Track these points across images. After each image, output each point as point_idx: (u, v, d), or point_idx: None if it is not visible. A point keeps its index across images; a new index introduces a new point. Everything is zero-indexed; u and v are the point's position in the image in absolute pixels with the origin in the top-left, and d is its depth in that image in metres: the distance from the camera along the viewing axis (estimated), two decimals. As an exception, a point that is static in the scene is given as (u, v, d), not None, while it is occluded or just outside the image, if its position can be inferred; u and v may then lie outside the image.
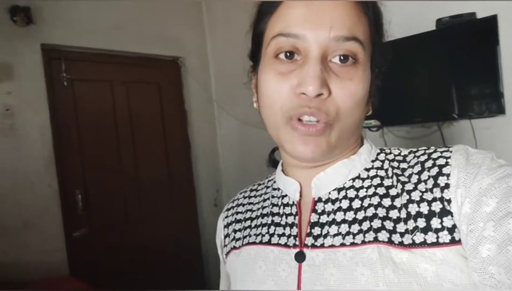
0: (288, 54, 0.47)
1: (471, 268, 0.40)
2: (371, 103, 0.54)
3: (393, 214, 0.46)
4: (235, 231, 0.61)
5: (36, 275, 1.99)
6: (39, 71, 2.16)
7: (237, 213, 0.63)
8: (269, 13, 0.50)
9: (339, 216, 0.49)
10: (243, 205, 0.64)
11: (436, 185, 0.45)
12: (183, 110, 2.90)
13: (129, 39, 2.52)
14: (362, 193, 0.50)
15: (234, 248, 0.59)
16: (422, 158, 0.50)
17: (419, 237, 0.43)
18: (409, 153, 0.53)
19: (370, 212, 0.48)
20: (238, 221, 0.62)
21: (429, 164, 0.48)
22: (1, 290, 1.75)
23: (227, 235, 0.63)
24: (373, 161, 0.54)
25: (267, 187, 0.63)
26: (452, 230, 0.43)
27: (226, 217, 0.65)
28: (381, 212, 0.47)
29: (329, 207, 0.51)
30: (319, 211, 0.51)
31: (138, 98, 2.65)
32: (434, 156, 0.48)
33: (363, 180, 0.52)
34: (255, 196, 0.64)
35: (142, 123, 2.66)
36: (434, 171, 0.47)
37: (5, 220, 1.99)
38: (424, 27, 1.77)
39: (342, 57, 0.46)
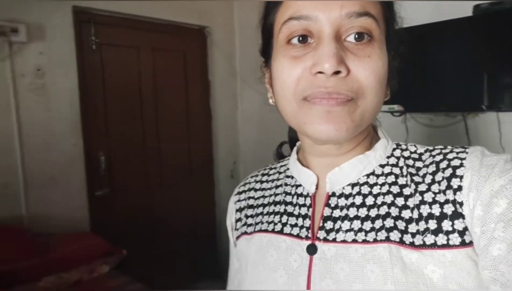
0: (300, 38, 0.46)
1: (481, 267, 0.41)
2: (389, 88, 0.53)
3: (406, 214, 0.47)
4: (247, 216, 0.61)
5: (60, 228, 2.10)
6: (70, 34, 2.20)
7: (249, 198, 0.63)
8: (278, 4, 0.49)
9: (352, 212, 0.49)
10: (255, 190, 0.64)
11: (449, 186, 0.46)
12: (206, 81, 2.92)
13: (157, 6, 2.52)
14: (376, 190, 0.50)
15: (246, 233, 0.60)
16: (438, 158, 0.49)
17: (429, 239, 0.44)
18: (425, 151, 0.52)
19: (383, 210, 0.48)
20: (250, 207, 0.62)
21: (444, 164, 0.48)
22: (30, 239, 1.87)
23: (239, 219, 0.63)
24: (388, 157, 0.53)
25: (280, 173, 0.63)
26: (462, 232, 0.43)
27: (239, 200, 0.65)
28: (394, 211, 0.47)
29: (342, 201, 0.51)
30: (332, 205, 0.51)
31: (163, 66, 2.67)
32: (450, 156, 0.48)
33: (378, 176, 0.51)
34: (267, 181, 0.63)
35: (166, 90, 2.70)
36: (448, 172, 0.47)
37: (33, 175, 2.10)
38: (459, 13, 1.71)
39: (357, 35, 0.45)
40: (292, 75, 0.46)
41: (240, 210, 0.63)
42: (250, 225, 0.59)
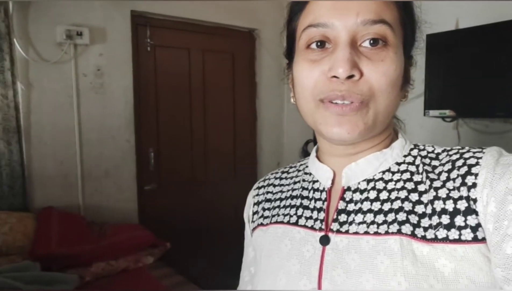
0: (319, 43, 0.49)
1: (494, 264, 0.41)
2: (406, 90, 0.54)
3: (419, 209, 0.48)
4: (264, 209, 0.64)
5: (111, 219, 2.25)
6: (127, 36, 2.35)
7: (267, 192, 0.66)
8: (299, 10, 0.52)
9: (366, 206, 0.51)
10: (274, 185, 0.66)
11: (463, 183, 0.46)
12: (253, 83, 2.97)
13: (208, 9, 2.61)
14: (390, 186, 0.51)
15: (262, 224, 0.62)
16: (454, 157, 0.50)
17: (441, 233, 0.44)
18: (443, 151, 0.53)
19: (397, 204, 0.49)
20: (268, 200, 0.65)
21: (459, 163, 0.48)
22: (86, 227, 2.03)
23: (255, 212, 0.66)
24: (405, 156, 0.54)
25: (299, 171, 0.65)
26: (475, 228, 0.43)
27: (257, 195, 0.68)
28: (407, 206, 0.48)
29: (357, 196, 0.52)
30: (347, 199, 0.53)
31: (212, 67, 2.76)
32: (466, 155, 0.49)
33: (393, 173, 0.53)
34: (286, 178, 0.66)
35: (214, 90, 2.79)
36: (464, 170, 0.47)
37: (90, 168, 2.27)
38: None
39: (372, 41, 0.47)
40: (310, 78, 0.49)
41: (257, 203, 0.66)
42: (267, 217, 0.62)
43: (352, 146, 0.52)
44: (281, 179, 0.67)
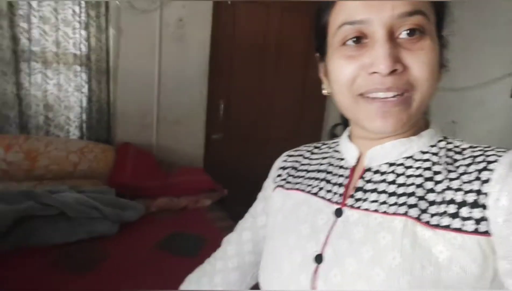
0: (355, 39, 0.49)
1: (500, 257, 0.43)
2: (441, 74, 0.54)
3: (430, 196, 0.49)
4: (289, 175, 0.67)
5: (179, 161, 2.48)
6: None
7: (297, 161, 0.69)
8: (329, 7, 0.53)
9: (382, 187, 0.53)
10: (304, 157, 0.69)
11: (478, 178, 0.47)
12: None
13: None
14: (409, 172, 0.53)
15: (283, 187, 0.66)
16: (477, 153, 0.51)
17: (445, 221, 0.46)
18: (469, 147, 0.53)
19: (411, 189, 0.51)
20: (294, 168, 0.68)
21: (480, 159, 0.49)
22: (156, 164, 2.27)
23: (280, 175, 0.69)
24: (432, 146, 0.55)
25: (330, 147, 0.68)
26: (479, 221, 0.44)
27: (285, 161, 0.71)
28: (420, 192, 0.50)
29: (376, 177, 0.55)
30: (366, 178, 0.55)
31: (290, 27, 2.74)
32: (489, 153, 0.49)
33: (416, 160, 0.54)
34: (317, 153, 0.69)
35: (289, 52, 2.79)
36: (482, 165, 0.48)
37: (165, 112, 2.49)
38: None
39: (409, 31, 0.47)
40: (348, 74, 0.50)
41: (284, 168, 0.70)
42: (290, 182, 0.66)
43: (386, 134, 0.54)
44: (312, 153, 0.69)
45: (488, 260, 0.44)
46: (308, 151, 0.70)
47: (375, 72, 0.47)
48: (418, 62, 0.47)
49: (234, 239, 0.72)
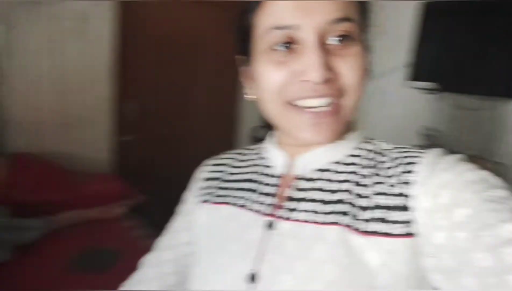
0: (284, 44, 0.47)
1: (425, 255, 0.44)
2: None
3: (360, 202, 0.49)
4: (214, 187, 0.63)
5: (88, 167, 2.27)
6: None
7: (221, 171, 0.65)
8: (256, 6, 0.50)
9: (312, 195, 0.52)
10: (229, 166, 0.66)
11: (402, 180, 0.48)
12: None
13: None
14: (338, 177, 0.53)
15: (209, 202, 0.62)
16: (399, 155, 0.52)
17: (375, 226, 0.46)
18: (392, 148, 0.55)
19: (340, 196, 0.51)
20: (219, 179, 0.64)
21: (403, 161, 0.50)
22: (60, 175, 2.03)
23: (205, 187, 0.65)
24: (356, 149, 0.56)
25: (256, 154, 0.65)
26: (406, 224, 0.45)
27: (209, 171, 0.67)
28: (350, 198, 0.50)
29: (306, 184, 0.53)
30: (297, 187, 0.54)
31: (206, 21, 2.64)
32: (411, 154, 0.51)
33: (343, 165, 0.54)
34: (241, 160, 0.65)
35: (206, 47, 2.70)
36: (405, 168, 0.49)
37: (68, 115, 2.25)
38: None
39: (339, 38, 0.47)
40: (278, 80, 0.48)
41: (207, 179, 0.65)
42: (215, 196, 0.62)
43: None
44: (236, 160, 0.66)
45: (416, 260, 0.45)
46: (232, 159, 0.67)
47: (306, 80, 0.46)
48: (349, 69, 0.47)
49: (153, 259, 0.67)
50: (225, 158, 0.68)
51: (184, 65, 2.67)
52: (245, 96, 0.58)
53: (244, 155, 0.67)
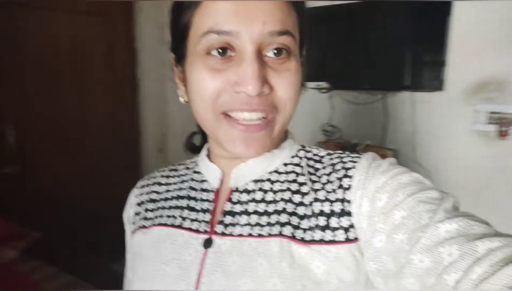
0: (220, 50, 0.45)
1: (367, 259, 0.44)
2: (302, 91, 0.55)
3: (300, 210, 0.49)
4: (146, 210, 0.60)
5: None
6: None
7: (152, 192, 0.62)
8: (194, 5, 0.47)
9: (252, 207, 0.50)
10: (160, 184, 0.62)
11: (340, 186, 0.48)
12: (133, 49, 2.72)
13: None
14: (276, 187, 0.52)
15: (144, 227, 0.58)
16: (335, 161, 0.52)
17: (318, 234, 0.46)
18: (327, 154, 0.55)
19: (280, 206, 0.50)
20: (152, 201, 0.60)
21: (339, 166, 0.51)
22: None
23: (137, 213, 0.61)
24: (293, 157, 0.55)
25: (188, 168, 0.62)
26: (347, 229, 0.46)
27: (140, 194, 0.63)
28: (290, 207, 0.49)
29: (244, 197, 0.52)
30: (234, 200, 0.52)
31: (83, 31, 2.43)
32: (345, 160, 0.51)
33: (280, 173, 0.53)
34: (173, 176, 0.62)
35: (87, 58, 2.48)
36: (341, 173, 0.49)
37: None
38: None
39: (276, 51, 0.46)
40: (212, 88, 0.46)
41: (140, 204, 0.62)
42: (149, 218, 0.58)
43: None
44: (168, 177, 0.63)
45: (360, 265, 0.45)
46: (163, 176, 0.63)
47: (241, 91, 0.45)
48: (284, 84, 0.46)
49: None
50: (157, 176, 0.64)
51: (69, 77, 2.40)
52: (180, 99, 0.55)
53: (177, 170, 0.63)
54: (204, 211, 0.53)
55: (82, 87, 2.47)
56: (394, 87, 1.84)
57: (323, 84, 2.03)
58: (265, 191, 0.52)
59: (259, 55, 0.45)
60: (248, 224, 0.49)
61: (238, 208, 0.51)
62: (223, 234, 0.50)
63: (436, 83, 1.69)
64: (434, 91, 1.73)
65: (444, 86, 1.69)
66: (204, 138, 0.63)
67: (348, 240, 0.45)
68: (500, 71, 1.61)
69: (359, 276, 0.45)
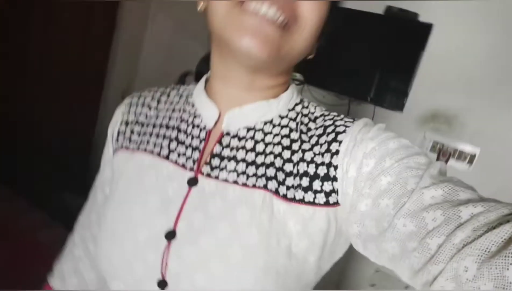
0: None
1: (351, 222, 0.44)
2: (315, 48, 0.52)
3: (288, 167, 0.48)
4: (132, 132, 0.57)
5: None
6: None
7: (141, 113, 0.59)
8: None
9: (241, 154, 0.49)
10: (150, 107, 0.59)
11: (328, 150, 0.47)
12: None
13: None
14: (268, 139, 0.50)
15: (127, 148, 0.56)
16: (327, 123, 0.50)
17: (299, 194, 0.46)
18: (321, 115, 0.52)
19: (269, 159, 0.48)
20: (139, 123, 0.58)
21: (330, 129, 0.49)
22: None
23: (123, 132, 0.58)
24: (290, 110, 0.53)
25: (181, 96, 0.58)
26: (329, 194, 0.46)
27: (128, 112, 0.60)
28: (278, 162, 0.48)
29: (234, 142, 0.50)
30: (224, 144, 0.50)
31: None
32: (338, 123, 0.49)
33: (274, 126, 0.51)
34: (164, 102, 0.59)
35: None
36: (331, 137, 0.48)
37: None
38: (373, 8, 1.85)
39: None
40: None
41: (126, 123, 0.59)
42: (135, 141, 0.56)
43: (250, 74, 0.48)
44: (159, 101, 0.59)
45: (330, 228, 0.46)
46: (154, 99, 0.60)
47: None
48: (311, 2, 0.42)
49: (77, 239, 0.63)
50: (147, 97, 0.60)
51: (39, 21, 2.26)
52: (198, 8, 0.50)
53: (168, 96, 0.59)
54: (193, 148, 0.51)
55: (54, 24, 2.36)
56: (360, 96, 1.96)
57: (299, 76, 2.11)
58: (257, 141, 0.50)
59: None
60: (235, 171, 0.48)
61: (226, 152, 0.50)
62: (209, 175, 0.48)
63: (397, 104, 1.84)
64: (395, 110, 1.88)
65: (404, 109, 1.85)
66: (196, 80, 0.59)
67: (327, 204, 0.45)
68: (453, 107, 1.80)
69: (328, 238, 0.46)
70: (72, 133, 2.66)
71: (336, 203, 0.46)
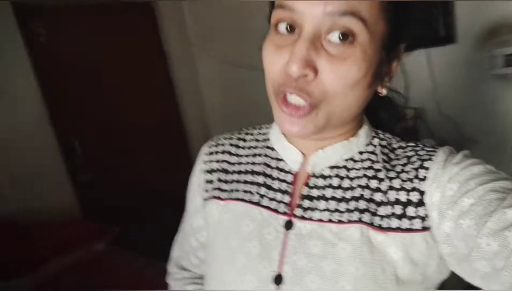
0: (287, 27, 0.45)
1: (440, 242, 0.46)
2: (384, 85, 0.52)
3: (377, 196, 0.49)
4: (220, 181, 0.59)
5: (50, 218, 2.18)
6: (14, 30, 2.16)
7: (223, 161, 0.61)
8: None
9: (329, 193, 0.51)
10: (230, 153, 0.61)
11: (416, 176, 0.48)
12: (162, 52, 2.87)
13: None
14: (352, 174, 0.52)
15: (219, 198, 0.58)
16: (410, 153, 0.52)
17: (394, 222, 0.47)
18: (399, 147, 0.54)
19: (358, 192, 0.50)
20: (224, 171, 0.60)
21: (414, 159, 0.51)
22: (20, 231, 1.95)
23: (209, 181, 0.61)
24: (367, 145, 0.55)
25: (257, 141, 0.61)
26: (423, 218, 0.47)
27: (210, 161, 0.62)
28: (367, 193, 0.49)
29: (320, 182, 0.52)
30: (311, 185, 0.52)
31: (117, 46, 2.64)
32: (421, 153, 0.51)
33: (355, 161, 0.53)
34: (243, 147, 0.61)
35: (124, 70, 2.68)
36: (417, 164, 0.50)
37: (14, 174, 2.15)
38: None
39: (340, 35, 0.42)
40: (272, 67, 0.46)
41: (211, 171, 0.61)
42: (224, 190, 0.58)
43: (312, 135, 0.50)
44: (237, 147, 0.62)
45: (431, 250, 0.47)
46: (232, 145, 0.62)
47: (287, 71, 0.44)
48: (334, 73, 0.43)
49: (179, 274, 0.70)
50: (226, 144, 0.63)
51: (112, 92, 2.64)
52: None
53: (245, 141, 0.62)
54: (283, 192, 0.53)
55: (125, 97, 2.68)
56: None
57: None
58: (341, 178, 0.51)
59: (317, 37, 0.42)
60: (327, 210, 0.49)
61: (315, 192, 0.51)
62: (303, 217, 0.50)
63: (448, 38, 1.72)
64: (448, 45, 1.77)
65: (456, 38, 1.73)
66: None
67: (424, 229, 0.46)
68: (510, 13, 1.63)
69: (430, 260, 0.47)
70: (178, 187, 2.93)
71: (430, 228, 0.47)
